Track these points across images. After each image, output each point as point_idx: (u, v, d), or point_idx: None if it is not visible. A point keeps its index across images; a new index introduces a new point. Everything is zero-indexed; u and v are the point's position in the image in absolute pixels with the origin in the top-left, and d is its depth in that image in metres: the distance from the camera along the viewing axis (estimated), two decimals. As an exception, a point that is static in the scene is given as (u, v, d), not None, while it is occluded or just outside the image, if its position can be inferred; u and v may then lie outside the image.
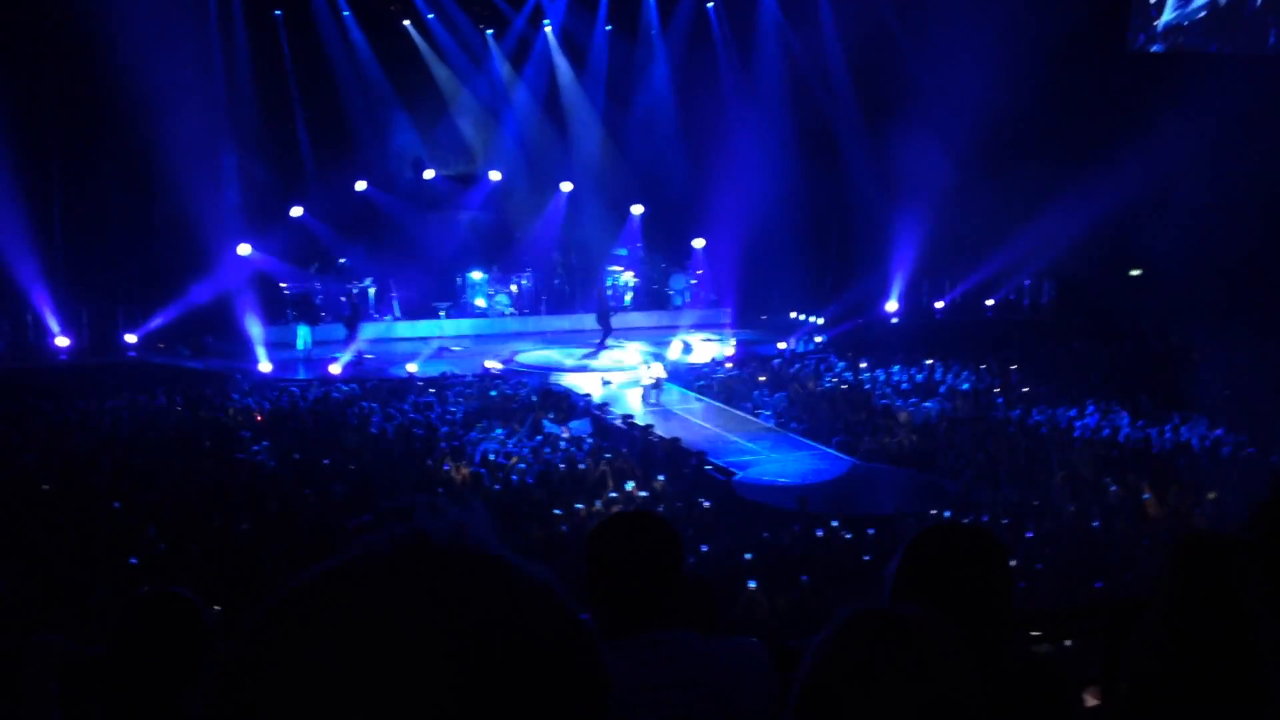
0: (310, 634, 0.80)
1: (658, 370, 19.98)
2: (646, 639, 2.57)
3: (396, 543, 0.85)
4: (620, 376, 20.85)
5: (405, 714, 0.76)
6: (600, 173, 26.51)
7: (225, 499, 13.88)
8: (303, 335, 22.37)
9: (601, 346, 22.84)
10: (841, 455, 17.09)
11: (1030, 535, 12.78)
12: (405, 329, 23.87)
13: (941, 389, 19.69)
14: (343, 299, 23.46)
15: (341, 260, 24.20)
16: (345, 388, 19.44)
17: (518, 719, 0.78)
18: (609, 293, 25.53)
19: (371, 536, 0.86)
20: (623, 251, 26.42)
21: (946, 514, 13.41)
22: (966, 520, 12.35)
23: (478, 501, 13.62)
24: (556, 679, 0.81)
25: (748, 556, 12.22)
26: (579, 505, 13.97)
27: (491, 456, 16.01)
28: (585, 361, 22.18)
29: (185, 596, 2.91)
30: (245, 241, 22.60)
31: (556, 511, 13.55)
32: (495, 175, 26.17)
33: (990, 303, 25.48)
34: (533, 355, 22.60)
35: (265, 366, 20.57)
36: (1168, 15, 26.34)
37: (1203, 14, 26.34)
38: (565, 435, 17.16)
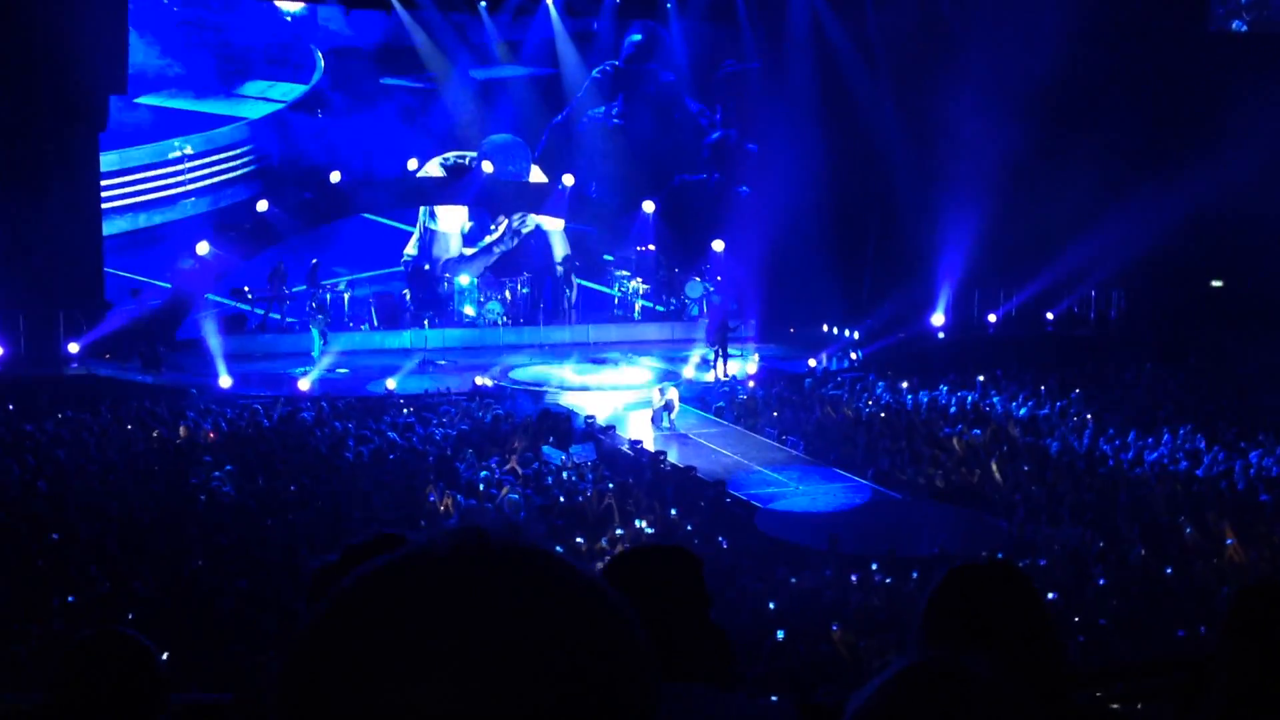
0: (371, 631, 0.91)
1: (671, 391, 19.96)
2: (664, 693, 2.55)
3: (456, 540, 0.98)
4: (627, 397, 20.84)
5: (466, 707, 0.88)
6: (607, 165, 26.56)
7: (178, 531, 13.90)
8: (316, 340, 22.48)
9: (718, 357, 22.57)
10: (880, 488, 17.06)
11: (1103, 582, 12.74)
12: (383, 340, 23.91)
13: (994, 414, 19.65)
14: (311, 304, 23.50)
15: (313, 260, 24.23)
16: (314, 406, 19.47)
17: (578, 705, 0.91)
18: (616, 302, 25.58)
19: (431, 535, 1.00)
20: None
21: (999, 556, 13.37)
22: (1023, 563, 12.32)
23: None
24: (614, 668, 0.94)
25: (772, 605, 12.20)
26: (580, 540, 13.98)
27: (481, 486, 16.01)
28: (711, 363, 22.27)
29: (134, 638, 2.91)
30: (203, 239, 22.66)
31: (556, 549, 13.53)
32: (488, 167, 26.18)
33: (1050, 316, 25.44)
34: (528, 371, 22.59)
35: (225, 381, 20.62)
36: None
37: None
38: (566, 462, 17.17)
